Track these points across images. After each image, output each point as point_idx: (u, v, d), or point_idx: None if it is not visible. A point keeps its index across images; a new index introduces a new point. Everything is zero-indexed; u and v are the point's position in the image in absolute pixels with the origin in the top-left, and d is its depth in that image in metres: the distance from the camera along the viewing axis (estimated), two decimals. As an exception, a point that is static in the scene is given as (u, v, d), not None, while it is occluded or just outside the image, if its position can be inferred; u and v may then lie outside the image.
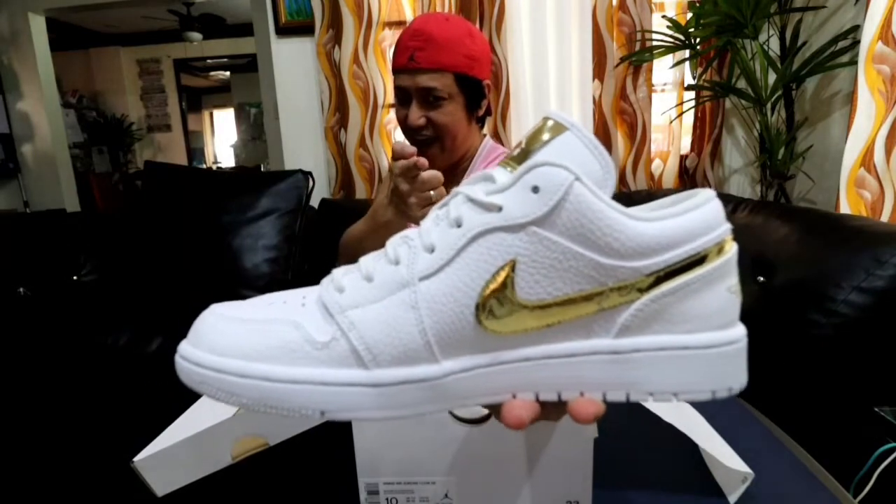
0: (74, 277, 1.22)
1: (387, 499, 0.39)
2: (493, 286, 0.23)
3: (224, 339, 0.23)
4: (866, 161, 1.23)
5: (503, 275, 0.22)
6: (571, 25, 1.61)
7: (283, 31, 1.75)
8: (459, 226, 0.23)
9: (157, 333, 1.19)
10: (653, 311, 0.23)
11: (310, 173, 1.42)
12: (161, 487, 0.40)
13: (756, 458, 0.41)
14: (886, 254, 0.81)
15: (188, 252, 1.30)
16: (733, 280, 0.23)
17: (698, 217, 0.23)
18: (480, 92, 0.88)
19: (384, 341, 0.23)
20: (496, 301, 0.23)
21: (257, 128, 6.68)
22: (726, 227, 0.23)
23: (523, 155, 0.23)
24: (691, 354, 0.23)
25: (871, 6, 1.17)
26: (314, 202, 1.48)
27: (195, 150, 6.57)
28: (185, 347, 0.24)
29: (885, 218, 1.25)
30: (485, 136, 0.96)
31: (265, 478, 0.47)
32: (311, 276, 1.38)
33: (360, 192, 1.74)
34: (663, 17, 1.58)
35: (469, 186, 0.24)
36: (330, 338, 0.23)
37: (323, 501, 0.45)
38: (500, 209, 0.22)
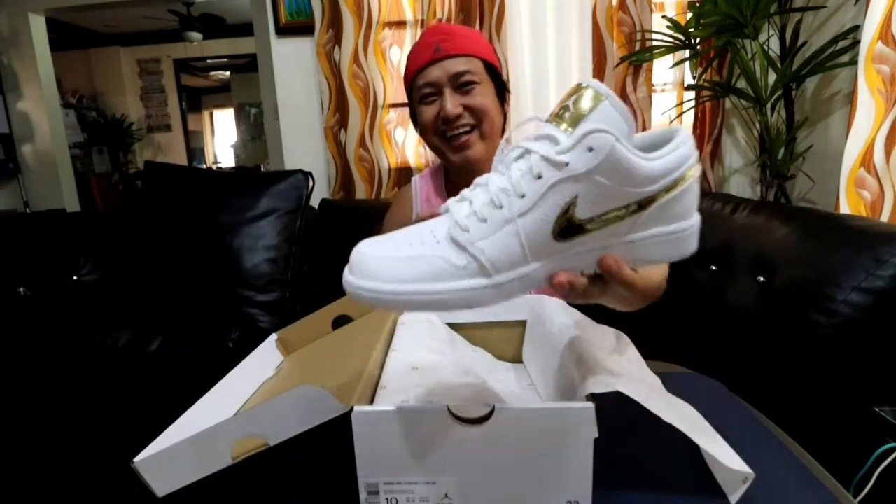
0: (74, 277, 1.22)
1: (387, 499, 0.39)
2: (562, 214, 0.34)
3: (393, 272, 0.34)
4: (866, 161, 1.23)
5: (569, 206, 0.34)
6: (571, 25, 1.61)
7: (283, 31, 1.75)
8: (540, 177, 0.34)
9: (157, 333, 1.19)
10: (654, 214, 0.35)
11: (310, 173, 1.42)
12: (161, 487, 0.39)
13: (756, 458, 0.41)
14: (886, 254, 0.81)
15: (188, 252, 1.30)
16: (696, 189, 0.36)
17: (683, 152, 0.35)
18: (505, 86, 0.90)
19: (500, 258, 0.34)
20: (564, 221, 0.34)
21: (257, 128, 6.68)
22: (696, 156, 0.36)
23: (574, 119, 0.33)
24: (672, 238, 0.36)
25: (871, 6, 1.17)
26: (314, 202, 1.47)
27: (195, 150, 6.57)
28: (354, 280, 0.34)
29: (885, 218, 1.25)
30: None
31: (265, 478, 0.47)
32: (311, 276, 1.38)
33: (360, 192, 1.74)
34: (663, 17, 1.58)
35: (538, 144, 0.34)
36: (466, 262, 0.34)
37: (323, 501, 0.45)
38: (566, 164, 0.33)
